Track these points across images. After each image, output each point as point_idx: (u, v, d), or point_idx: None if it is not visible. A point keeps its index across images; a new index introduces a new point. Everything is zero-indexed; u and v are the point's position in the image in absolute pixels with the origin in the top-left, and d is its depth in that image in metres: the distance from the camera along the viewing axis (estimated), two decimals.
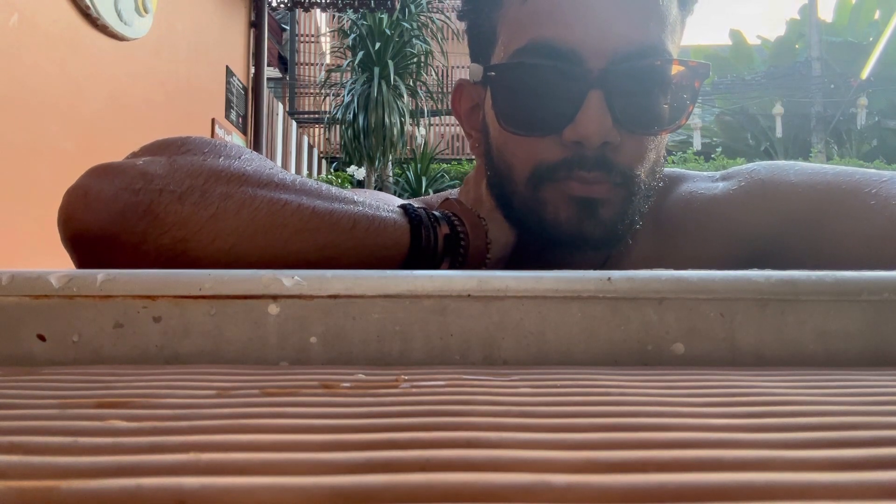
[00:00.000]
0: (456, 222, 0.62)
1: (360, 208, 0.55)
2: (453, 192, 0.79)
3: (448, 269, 0.61)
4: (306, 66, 12.74)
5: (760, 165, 0.71)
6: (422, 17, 8.53)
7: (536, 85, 0.58)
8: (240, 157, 0.53)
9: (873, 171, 0.63)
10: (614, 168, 0.59)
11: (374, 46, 7.85)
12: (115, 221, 0.49)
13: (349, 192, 0.57)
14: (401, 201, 0.65)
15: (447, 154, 12.20)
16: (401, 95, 7.82)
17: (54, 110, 2.52)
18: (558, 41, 0.56)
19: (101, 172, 0.53)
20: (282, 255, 0.51)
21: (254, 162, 0.53)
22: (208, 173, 0.50)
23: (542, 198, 0.61)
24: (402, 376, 0.34)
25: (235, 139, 4.48)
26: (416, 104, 8.30)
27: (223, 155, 0.52)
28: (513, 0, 0.60)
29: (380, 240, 0.55)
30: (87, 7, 2.67)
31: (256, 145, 4.85)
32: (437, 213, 0.63)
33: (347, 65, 8.28)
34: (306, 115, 11.63)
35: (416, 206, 0.62)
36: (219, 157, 0.52)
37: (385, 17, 7.74)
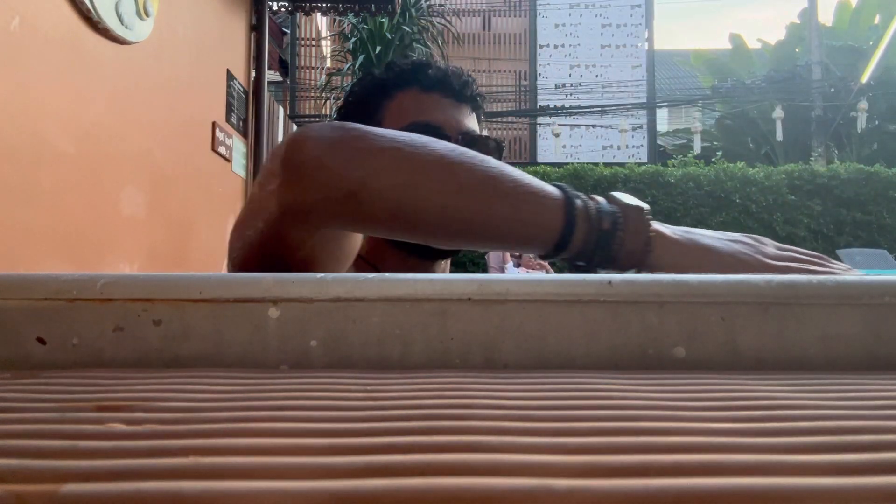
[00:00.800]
0: (620, 218, 0.63)
1: (525, 179, 0.61)
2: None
3: (592, 268, 0.62)
4: (307, 70, 12.76)
5: None
6: (422, 21, 8.54)
7: None
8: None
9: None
10: None
11: (374, 50, 7.87)
12: (326, 154, 0.58)
13: (512, 169, 0.63)
14: None
15: None
16: None
17: (55, 113, 2.52)
18: (433, 122, 0.89)
19: (314, 127, 0.61)
20: (442, 206, 0.59)
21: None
22: (395, 135, 0.61)
23: None
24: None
25: (236, 142, 4.49)
26: None
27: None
28: (397, 94, 0.91)
29: (533, 216, 0.60)
30: (89, 10, 2.68)
31: (257, 149, 4.85)
32: (604, 205, 0.64)
33: (348, 68, 8.29)
34: (307, 119, 11.64)
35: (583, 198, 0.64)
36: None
37: (386, 20, 7.76)
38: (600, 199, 0.64)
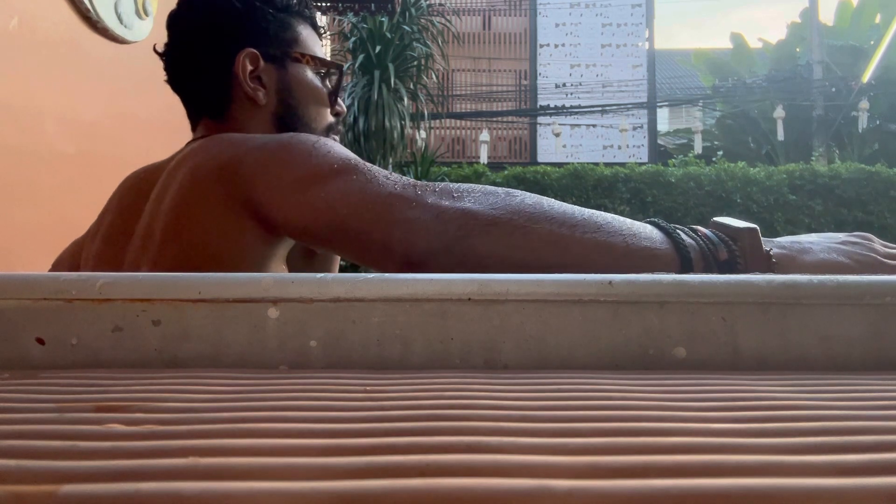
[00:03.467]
0: (733, 247, 0.61)
1: (632, 240, 0.59)
2: None
3: None
4: None
5: None
6: (422, 21, 8.54)
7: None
8: (515, 196, 0.62)
9: None
10: None
11: (374, 49, 7.86)
12: (443, 252, 0.58)
13: (615, 220, 0.62)
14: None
15: (447, 157, 12.22)
16: (401, 98, 7.82)
17: (54, 113, 2.52)
18: (323, 57, 0.94)
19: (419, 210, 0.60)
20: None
21: (529, 198, 0.63)
22: (504, 209, 0.60)
23: None
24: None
25: None
26: (417, 107, 8.31)
27: (507, 194, 0.63)
28: (300, 22, 0.93)
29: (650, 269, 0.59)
30: (88, 10, 2.67)
31: None
32: (711, 235, 0.62)
33: (348, 68, 8.29)
34: None
35: (683, 234, 0.62)
36: (510, 195, 0.63)
37: (385, 20, 7.75)
38: (705, 230, 0.63)
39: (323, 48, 0.97)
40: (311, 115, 0.91)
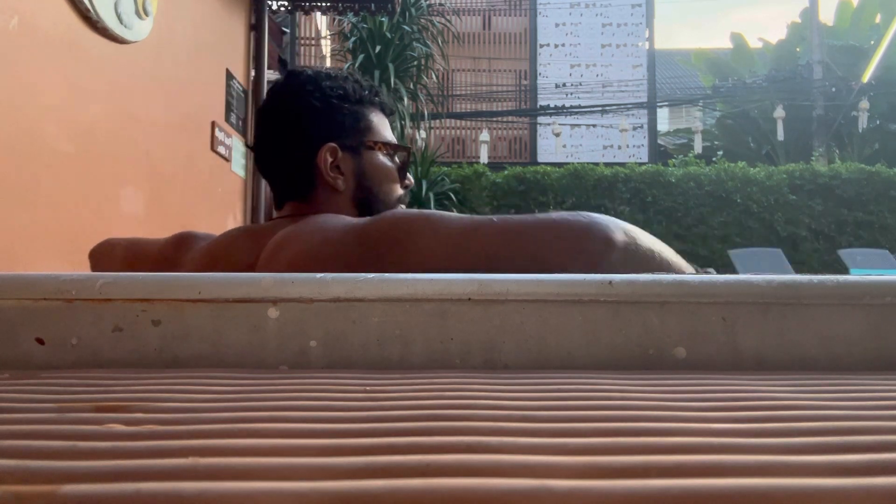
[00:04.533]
0: None
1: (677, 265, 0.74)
2: None
3: None
4: None
5: None
6: (422, 21, 8.54)
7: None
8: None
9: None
10: None
11: (374, 49, 7.86)
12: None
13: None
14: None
15: (448, 157, 12.21)
16: (401, 98, 7.82)
17: (54, 113, 2.52)
18: (394, 140, 1.06)
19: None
20: None
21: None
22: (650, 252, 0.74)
23: None
24: None
25: (235, 142, 4.48)
26: (417, 107, 8.30)
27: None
28: (372, 109, 1.05)
29: None
30: (88, 10, 2.67)
31: None
32: None
33: (348, 68, 8.29)
34: None
35: None
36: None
37: (385, 20, 7.75)
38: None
39: (391, 131, 1.09)
40: (385, 192, 1.03)
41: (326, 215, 0.89)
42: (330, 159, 0.98)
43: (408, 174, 1.07)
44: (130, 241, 1.11)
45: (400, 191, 1.05)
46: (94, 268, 1.06)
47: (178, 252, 1.03)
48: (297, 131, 0.99)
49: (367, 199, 1.00)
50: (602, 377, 0.35)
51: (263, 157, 1.02)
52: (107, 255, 1.08)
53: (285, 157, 1.00)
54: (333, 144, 0.98)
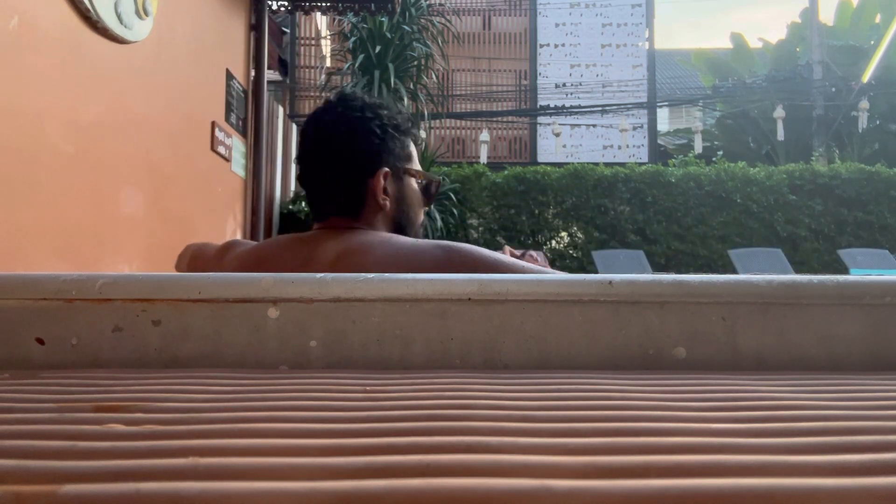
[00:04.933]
0: None
1: None
2: None
3: None
4: (306, 70, 12.75)
5: None
6: (422, 21, 8.53)
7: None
8: None
9: None
10: None
11: (374, 49, 7.86)
12: None
13: None
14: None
15: (447, 157, 12.20)
16: (401, 98, 7.81)
17: (54, 113, 2.51)
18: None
19: None
20: None
21: None
22: None
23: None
24: None
25: (235, 142, 4.48)
26: (417, 107, 8.29)
27: None
28: (409, 140, 1.17)
29: None
30: (88, 10, 2.67)
31: (256, 148, 4.85)
32: None
33: (348, 68, 8.28)
34: (306, 118, 11.59)
35: None
36: None
37: (385, 20, 7.74)
38: None
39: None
40: (416, 215, 1.15)
41: (382, 232, 1.03)
42: (383, 182, 1.09)
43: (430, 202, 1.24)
44: (200, 245, 1.23)
45: (422, 214, 1.19)
46: (178, 268, 1.20)
47: (224, 254, 1.12)
48: (356, 153, 1.09)
49: (401, 221, 1.12)
50: (602, 377, 0.35)
51: (314, 172, 1.11)
52: (183, 257, 1.22)
53: (341, 175, 1.09)
54: (387, 169, 1.10)
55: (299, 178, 1.13)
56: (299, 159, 1.12)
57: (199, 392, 0.32)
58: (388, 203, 1.09)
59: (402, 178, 1.13)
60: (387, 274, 0.40)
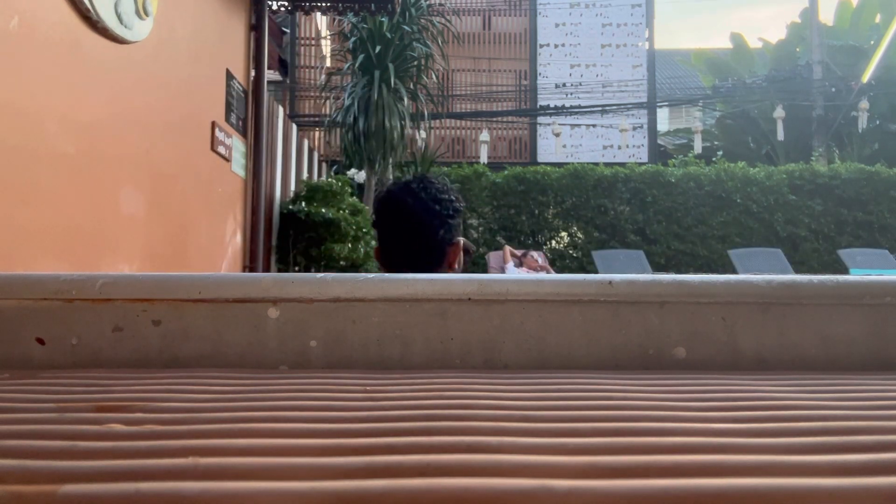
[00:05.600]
0: None
1: None
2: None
3: None
4: (306, 70, 12.74)
5: None
6: (422, 21, 8.52)
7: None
8: None
9: None
10: None
11: (374, 49, 7.85)
12: None
13: None
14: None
15: (447, 157, 12.20)
16: (401, 98, 7.80)
17: (54, 113, 2.51)
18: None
19: None
20: None
21: None
22: None
23: None
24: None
25: (235, 142, 4.48)
26: (417, 107, 8.29)
27: None
28: None
29: None
30: (88, 10, 2.67)
31: (256, 148, 4.84)
32: None
33: (348, 68, 8.27)
34: (306, 118, 11.61)
35: None
36: None
37: (385, 20, 7.74)
38: None
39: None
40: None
41: None
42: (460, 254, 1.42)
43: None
44: None
45: None
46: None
47: None
48: (445, 225, 1.40)
49: None
50: (602, 377, 0.36)
51: (408, 238, 1.40)
52: None
53: (433, 241, 1.39)
54: (461, 239, 1.43)
55: (385, 244, 1.41)
56: (375, 225, 1.42)
57: (200, 392, 0.32)
58: (456, 267, 1.41)
59: (457, 246, 1.45)
60: (387, 274, 0.41)
